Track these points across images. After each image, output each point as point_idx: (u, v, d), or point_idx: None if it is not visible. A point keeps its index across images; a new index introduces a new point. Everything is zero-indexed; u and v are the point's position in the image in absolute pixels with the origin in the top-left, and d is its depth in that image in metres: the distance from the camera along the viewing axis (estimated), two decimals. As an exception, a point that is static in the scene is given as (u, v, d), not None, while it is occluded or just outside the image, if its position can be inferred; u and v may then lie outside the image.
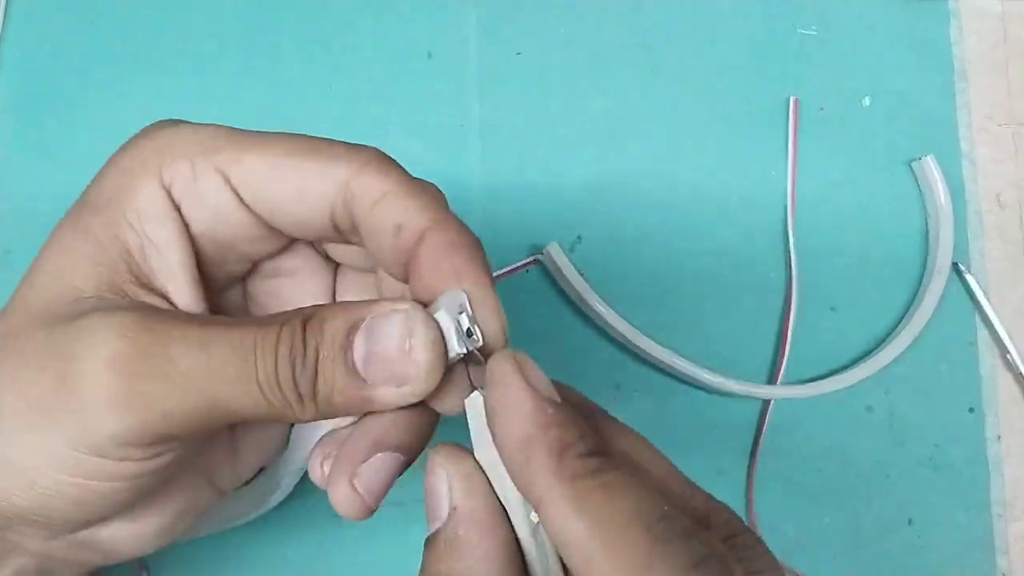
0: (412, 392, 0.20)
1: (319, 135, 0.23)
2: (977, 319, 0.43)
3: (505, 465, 0.19)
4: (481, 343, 0.21)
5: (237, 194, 0.22)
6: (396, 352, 0.20)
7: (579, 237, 0.42)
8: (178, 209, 0.22)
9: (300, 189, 0.22)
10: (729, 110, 0.44)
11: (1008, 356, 0.42)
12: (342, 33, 0.44)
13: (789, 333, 0.41)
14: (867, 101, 0.45)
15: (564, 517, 0.17)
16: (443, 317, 0.20)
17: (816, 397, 0.41)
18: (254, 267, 0.25)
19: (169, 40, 0.43)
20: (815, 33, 0.45)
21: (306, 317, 0.20)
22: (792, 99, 0.44)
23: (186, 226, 0.22)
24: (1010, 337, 0.42)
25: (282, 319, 0.20)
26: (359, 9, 0.44)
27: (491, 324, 0.21)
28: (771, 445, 0.41)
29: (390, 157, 0.23)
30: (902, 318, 0.43)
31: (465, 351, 0.20)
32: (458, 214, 0.42)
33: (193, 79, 0.42)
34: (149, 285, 0.22)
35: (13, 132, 0.42)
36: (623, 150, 0.43)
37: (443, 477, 0.20)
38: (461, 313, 0.20)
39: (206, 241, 0.23)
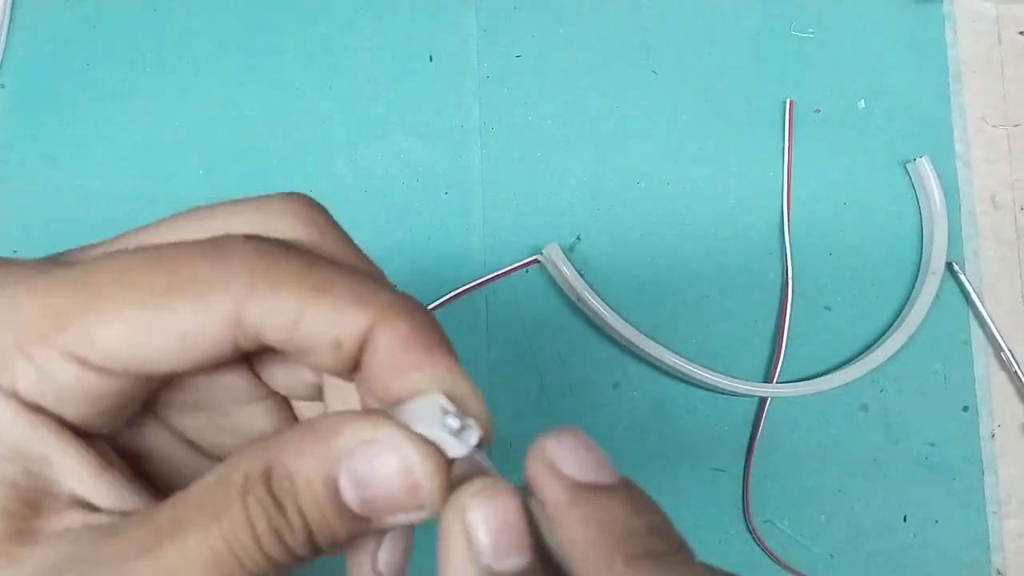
0: (427, 514, 0.17)
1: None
2: (971, 318, 0.44)
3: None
4: (482, 433, 0.18)
5: (104, 368, 0.17)
6: (401, 494, 0.17)
7: (578, 237, 0.43)
8: (40, 410, 0.17)
9: (178, 342, 0.16)
10: (727, 111, 0.44)
11: (1002, 355, 0.43)
12: (343, 34, 0.44)
13: (785, 332, 0.42)
14: (862, 103, 0.45)
15: None
16: (425, 428, 0.17)
17: (811, 396, 0.41)
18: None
19: (169, 41, 0.44)
20: (812, 35, 0.45)
21: (265, 477, 0.16)
22: (788, 101, 0.44)
23: (61, 418, 0.17)
24: (1004, 336, 0.43)
25: (235, 490, 0.16)
26: (360, 10, 0.44)
27: (478, 414, 0.18)
28: (768, 443, 0.42)
29: (267, 243, 0.17)
30: (897, 317, 0.43)
31: (467, 449, 0.17)
32: (459, 215, 0.43)
33: (194, 80, 0.43)
34: (56, 505, 0.17)
35: (14, 132, 0.42)
36: (622, 151, 0.44)
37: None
38: (446, 415, 0.17)
39: (90, 419, 0.18)
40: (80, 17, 0.43)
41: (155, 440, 0.20)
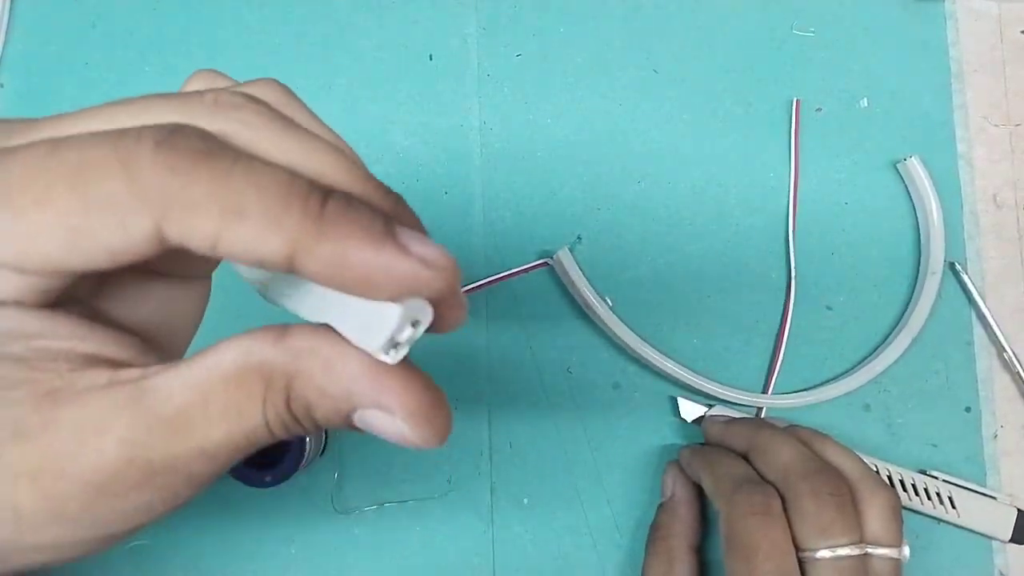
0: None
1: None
2: (974, 318, 0.43)
3: None
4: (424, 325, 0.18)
5: (42, 271, 0.17)
6: (401, 441, 0.18)
7: (579, 237, 0.43)
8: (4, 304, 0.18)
9: (107, 256, 0.17)
10: (728, 111, 0.44)
11: (1005, 355, 0.42)
12: (343, 34, 0.44)
13: (785, 337, 0.42)
14: (865, 102, 0.45)
15: None
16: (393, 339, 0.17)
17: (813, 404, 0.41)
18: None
19: (170, 41, 0.44)
20: (813, 34, 0.45)
21: (285, 395, 0.17)
22: (795, 101, 0.44)
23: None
24: (1007, 336, 0.42)
25: (257, 400, 0.17)
26: (360, 10, 0.44)
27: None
28: (769, 444, 0.41)
29: (179, 152, 0.16)
30: (900, 318, 0.43)
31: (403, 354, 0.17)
32: (459, 214, 0.42)
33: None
34: (72, 367, 0.18)
35: (14, 132, 0.42)
36: (623, 150, 0.44)
37: (670, 474, 0.40)
38: (414, 326, 0.17)
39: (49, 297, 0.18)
40: (80, 16, 0.43)
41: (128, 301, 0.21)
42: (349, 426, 0.18)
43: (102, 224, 0.16)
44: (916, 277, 0.43)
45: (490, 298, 0.42)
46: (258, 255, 0.16)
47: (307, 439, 0.36)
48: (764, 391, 0.42)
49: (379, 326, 0.17)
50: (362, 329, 0.17)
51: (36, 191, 0.16)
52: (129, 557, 0.39)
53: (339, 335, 0.18)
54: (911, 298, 0.43)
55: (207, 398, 0.17)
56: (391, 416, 0.18)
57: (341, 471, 0.40)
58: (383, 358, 0.17)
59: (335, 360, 0.17)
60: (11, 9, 0.43)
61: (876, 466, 0.41)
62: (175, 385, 0.17)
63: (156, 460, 0.17)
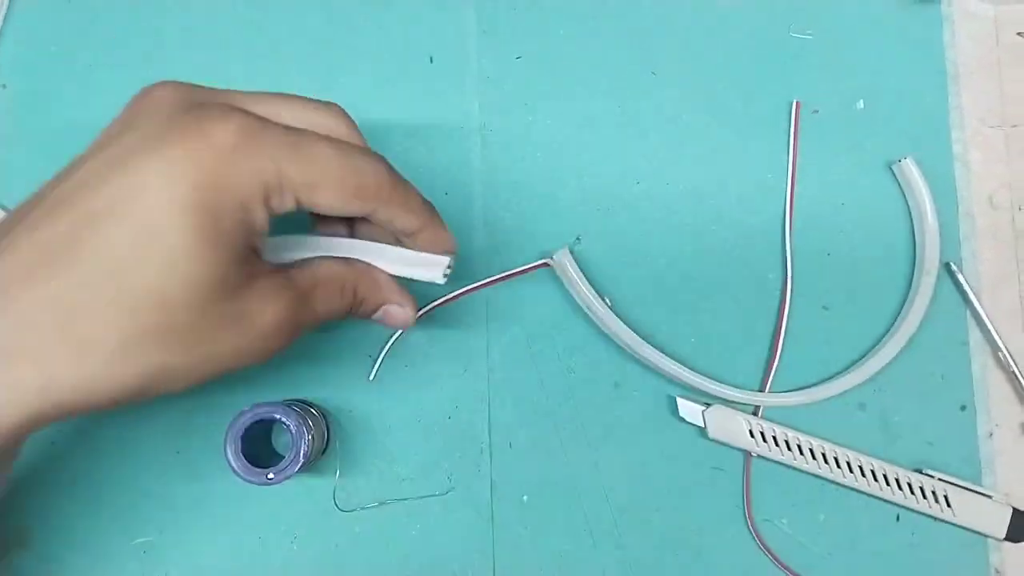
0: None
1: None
2: (969, 319, 0.44)
3: None
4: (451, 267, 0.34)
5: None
6: (402, 324, 0.36)
7: (578, 238, 0.43)
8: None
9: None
10: (727, 112, 0.45)
11: (1000, 355, 0.43)
12: (342, 35, 0.44)
13: (782, 337, 0.42)
14: (861, 104, 0.45)
15: None
16: (432, 277, 0.34)
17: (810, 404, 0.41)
18: None
19: (170, 42, 0.44)
20: (810, 36, 0.46)
21: (353, 294, 0.33)
22: (795, 103, 0.44)
23: None
24: (1002, 336, 0.43)
25: (342, 297, 0.32)
26: (360, 11, 0.44)
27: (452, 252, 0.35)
28: (767, 443, 0.42)
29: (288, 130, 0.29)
30: (895, 318, 0.43)
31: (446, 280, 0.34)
32: (458, 215, 0.43)
33: (194, 81, 0.43)
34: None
35: (13, 132, 0.42)
36: (622, 151, 0.44)
37: None
38: (447, 269, 0.34)
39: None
40: (80, 16, 0.44)
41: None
42: (372, 315, 0.35)
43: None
44: (912, 277, 0.44)
45: (490, 298, 0.42)
46: (400, 226, 0.32)
47: (307, 438, 0.36)
48: (761, 390, 0.42)
49: (437, 265, 0.33)
50: (421, 267, 0.33)
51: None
52: (133, 554, 0.39)
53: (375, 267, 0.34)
54: (907, 298, 0.43)
55: (317, 290, 0.31)
56: (403, 308, 0.34)
57: (343, 470, 0.40)
58: (441, 281, 0.33)
59: (378, 276, 0.34)
60: (8, 9, 0.43)
61: (872, 465, 0.41)
62: (306, 276, 0.31)
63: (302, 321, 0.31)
